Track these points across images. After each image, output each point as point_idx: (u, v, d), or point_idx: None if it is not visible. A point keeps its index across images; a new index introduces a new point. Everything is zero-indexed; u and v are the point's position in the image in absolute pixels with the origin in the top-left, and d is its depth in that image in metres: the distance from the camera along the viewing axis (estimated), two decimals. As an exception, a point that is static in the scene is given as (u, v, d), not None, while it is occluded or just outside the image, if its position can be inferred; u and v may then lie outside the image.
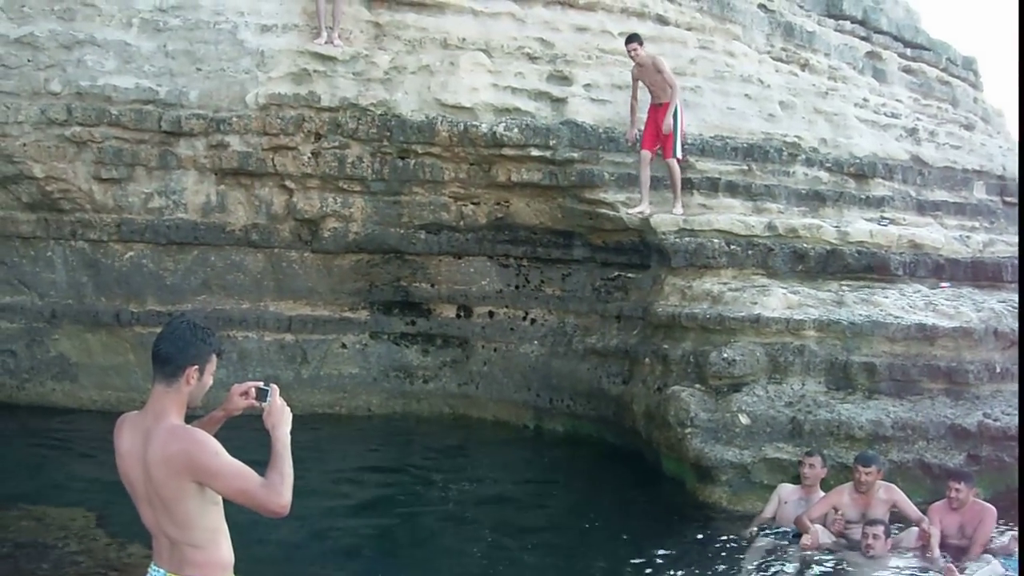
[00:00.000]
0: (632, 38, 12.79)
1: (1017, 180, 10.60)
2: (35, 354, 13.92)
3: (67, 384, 13.99)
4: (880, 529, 8.49)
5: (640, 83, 12.82)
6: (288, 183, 13.23)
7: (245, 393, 4.36)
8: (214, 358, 4.25)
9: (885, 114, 17.14)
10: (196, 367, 4.16)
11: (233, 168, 13.11)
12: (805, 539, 8.80)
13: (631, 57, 12.74)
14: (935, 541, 8.60)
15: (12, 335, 13.86)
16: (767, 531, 9.32)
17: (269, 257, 13.67)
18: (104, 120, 12.72)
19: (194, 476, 4.03)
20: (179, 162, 13.11)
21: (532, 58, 13.72)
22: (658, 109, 12.58)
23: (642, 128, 12.75)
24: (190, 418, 4.27)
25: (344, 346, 14.04)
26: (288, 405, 4.30)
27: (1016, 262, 13.36)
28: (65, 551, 8.62)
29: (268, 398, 4.30)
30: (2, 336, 13.87)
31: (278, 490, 4.01)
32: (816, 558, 8.67)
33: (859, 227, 12.81)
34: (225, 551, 4.27)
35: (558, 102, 13.33)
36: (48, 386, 13.99)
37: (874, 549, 8.41)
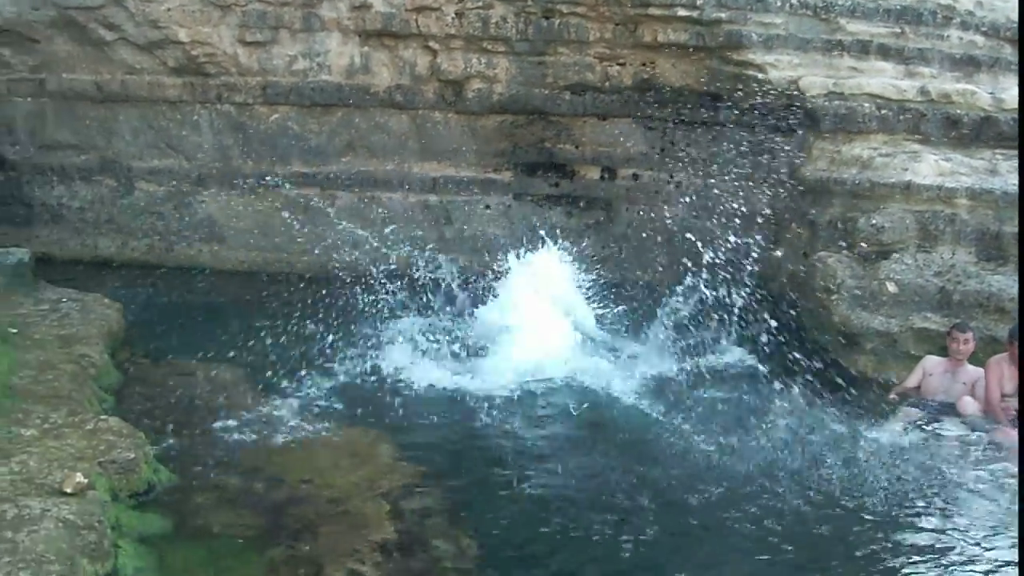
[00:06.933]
0: None
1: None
2: (183, 216, 14.25)
3: (214, 245, 14.28)
4: None
5: None
6: (432, 44, 13.26)
7: None
8: None
9: (1046, -28, 16.39)
10: None
11: (377, 29, 13.19)
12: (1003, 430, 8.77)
13: None
14: None
15: (160, 198, 14.25)
16: (912, 401, 9.33)
17: (413, 118, 13.75)
18: (251, -17, 12.82)
19: None
20: (323, 24, 13.23)
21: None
22: None
23: None
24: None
25: (488, 207, 14.11)
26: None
27: None
28: (212, 404, 9.03)
29: None
30: (151, 199, 14.27)
31: None
32: (966, 435, 8.69)
33: (1014, 94, 12.36)
34: None
35: (704, -40, 13.01)
36: (196, 247, 14.28)
37: None
